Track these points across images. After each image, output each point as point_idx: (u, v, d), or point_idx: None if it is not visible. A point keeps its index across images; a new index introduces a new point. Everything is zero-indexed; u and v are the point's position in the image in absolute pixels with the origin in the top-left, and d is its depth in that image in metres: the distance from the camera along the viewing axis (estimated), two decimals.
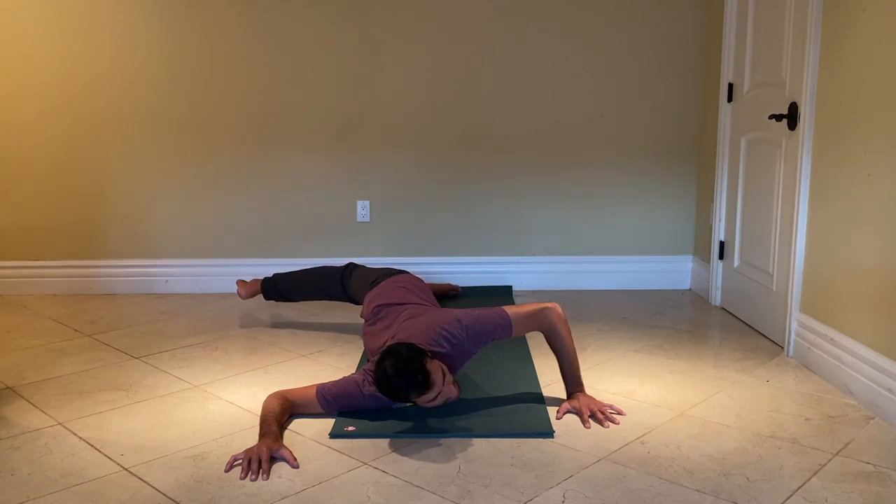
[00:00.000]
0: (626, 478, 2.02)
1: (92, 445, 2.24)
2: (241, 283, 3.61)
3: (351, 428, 2.31)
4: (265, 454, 2.08)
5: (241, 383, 2.77)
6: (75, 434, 2.32)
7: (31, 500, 1.92)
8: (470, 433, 2.29)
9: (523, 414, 2.43)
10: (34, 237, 4.24)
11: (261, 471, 2.03)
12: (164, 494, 1.94)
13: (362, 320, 2.96)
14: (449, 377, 2.31)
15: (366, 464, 2.11)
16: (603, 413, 2.39)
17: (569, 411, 2.44)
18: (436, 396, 2.26)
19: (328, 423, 2.36)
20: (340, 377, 2.52)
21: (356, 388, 2.41)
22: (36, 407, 2.55)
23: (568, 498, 1.91)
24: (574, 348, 2.51)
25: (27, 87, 4.11)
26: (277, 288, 3.50)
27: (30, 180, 4.19)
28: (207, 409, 2.52)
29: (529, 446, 2.21)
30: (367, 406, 2.42)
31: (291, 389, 2.45)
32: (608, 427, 2.34)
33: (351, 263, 3.38)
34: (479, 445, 2.22)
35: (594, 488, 1.96)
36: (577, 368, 2.51)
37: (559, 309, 2.51)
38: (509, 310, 2.48)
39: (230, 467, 2.08)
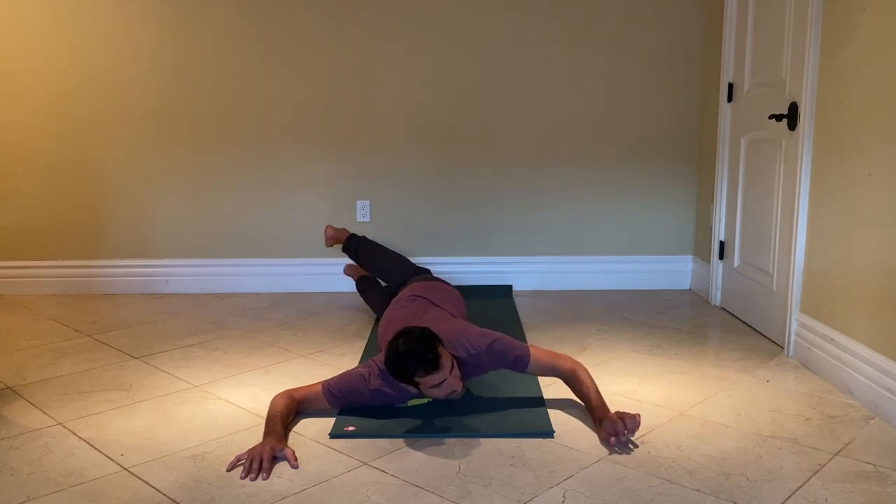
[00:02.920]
0: (626, 478, 2.02)
1: (92, 445, 2.24)
2: (330, 227, 3.76)
3: (351, 428, 2.31)
4: (267, 454, 2.08)
5: (241, 383, 2.77)
6: (75, 434, 2.32)
7: (31, 500, 1.92)
8: (470, 433, 2.29)
9: (523, 414, 2.43)
10: (34, 237, 4.24)
11: (261, 470, 2.03)
12: (163, 494, 1.94)
13: (380, 312, 2.95)
14: (456, 371, 2.31)
15: (366, 464, 2.11)
16: (625, 437, 2.22)
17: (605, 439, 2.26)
18: (441, 383, 2.25)
19: (328, 423, 2.36)
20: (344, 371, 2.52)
21: (362, 382, 2.41)
22: (36, 407, 2.55)
23: (568, 498, 1.91)
24: (596, 386, 2.41)
25: (28, 86, 4.12)
26: (358, 248, 3.62)
27: (30, 180, 4.20)
28: (207, 409, 2.52)
29: (529, 446, 2.21)
30: (371, 402, 2.42)
31: (298, 388, 2.45)
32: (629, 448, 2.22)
33: (426, 268, 3.50)
34: (480, 445, 2.22)
35: (594, 488, 1.96)
36: (600, 396, 2.38)
37: (584, 367, 2.44)
38: (533, 348, 2.46)
39: (233, 467, 2.08)
